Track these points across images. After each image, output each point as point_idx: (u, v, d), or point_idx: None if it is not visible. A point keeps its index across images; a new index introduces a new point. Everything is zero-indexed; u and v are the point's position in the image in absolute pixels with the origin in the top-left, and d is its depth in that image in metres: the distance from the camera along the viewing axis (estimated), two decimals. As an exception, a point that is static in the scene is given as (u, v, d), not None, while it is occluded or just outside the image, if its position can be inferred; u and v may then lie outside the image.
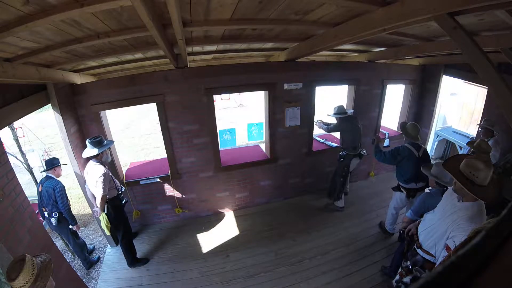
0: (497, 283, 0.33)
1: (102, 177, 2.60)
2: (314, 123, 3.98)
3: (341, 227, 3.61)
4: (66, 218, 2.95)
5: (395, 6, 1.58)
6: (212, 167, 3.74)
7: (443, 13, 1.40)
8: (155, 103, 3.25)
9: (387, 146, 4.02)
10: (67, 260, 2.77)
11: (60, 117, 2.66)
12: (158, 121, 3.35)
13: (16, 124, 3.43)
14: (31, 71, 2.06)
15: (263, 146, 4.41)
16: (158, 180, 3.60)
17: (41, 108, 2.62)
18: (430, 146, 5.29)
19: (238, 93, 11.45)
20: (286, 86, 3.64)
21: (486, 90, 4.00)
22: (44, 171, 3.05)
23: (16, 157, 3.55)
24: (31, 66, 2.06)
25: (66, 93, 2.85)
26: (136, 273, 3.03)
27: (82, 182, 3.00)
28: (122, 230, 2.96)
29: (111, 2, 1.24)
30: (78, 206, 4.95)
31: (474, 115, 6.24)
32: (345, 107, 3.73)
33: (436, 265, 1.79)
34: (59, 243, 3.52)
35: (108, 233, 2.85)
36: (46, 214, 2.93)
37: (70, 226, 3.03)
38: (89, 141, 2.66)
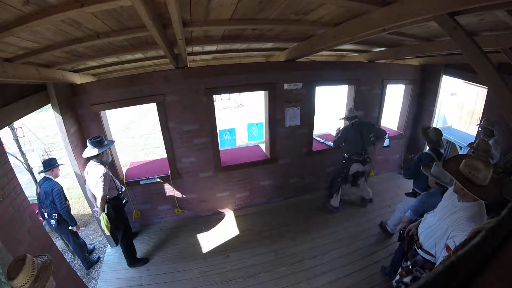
0: (497, 283, 0.33)
1: (102, 177, 2.60)
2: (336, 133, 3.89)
3: (341, 227, 3.61)
4: (65, 219, 2.94)
5: (395, 6, 1.58)
6: (212, 167, 3.74)
7: (443, 13, 1.40)
8: (155, 103, 3.25)
9: (387, 146, 4.02)
10: (67, 260, 2.77)
11: (60, 117, 2.66)
12: (158, 121, 3.35)
13: (16, 124, 3.43)
14: (31, 71, 2.06)
15: (263, 146, 4.41)
16: (158, 180, 3.60)
17: (41, 108, 2.62)
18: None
19: (238, 93, 11.46)
20: (286, 86, 3.64)
21: (486, 90, 4.00)
22: (42, 172, 3.02)
23: (16, 157, 3.55)
24: (31, 66, 2.06)
25: (66, 93, 2.85)
26: (136, 273, 3.03)
27: (82, 182, 3.00)
28: (122, 230, 2.95)
29: (111, 2, 1.24)
30: (78, 206, 4.95)
31: (474, 115, 6.25)
32: (353, 110, 3.70)
33: (436, 265, 1.79)
34: (59, 243, 3.52)
35: (108, 233, 2.85)
36: (46, 215, 2.93)
37: (70, 227, 3.03)
38: (90, 141, 2.65)
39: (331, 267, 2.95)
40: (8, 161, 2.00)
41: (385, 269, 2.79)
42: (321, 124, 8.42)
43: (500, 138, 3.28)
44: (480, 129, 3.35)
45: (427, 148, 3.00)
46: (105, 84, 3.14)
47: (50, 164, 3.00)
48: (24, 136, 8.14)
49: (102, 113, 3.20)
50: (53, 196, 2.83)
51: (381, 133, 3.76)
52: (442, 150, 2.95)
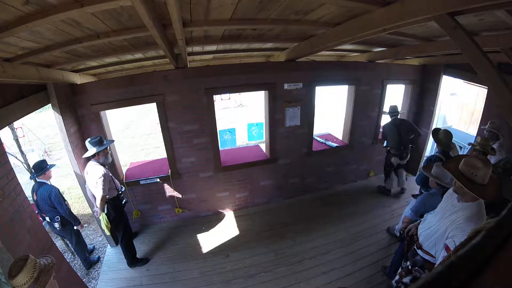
0: (497, 283, 0.33)
1: (102, 177, 2.60)
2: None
3: (341, 227, 3.61)
4: (68, 220, 2.94)
5: (395, 6, 1.58)
6: (212, 167, 3.74)
7: (443, 13, 1.40)
8: (155, 103, 3.25)
9: (386, 146, 4.03)
10: (67, 260, 2.77)
11: (60, 117, 2.66)
12: (158, 121, 3.35)
13: (16, 124, 3.43)
14: (31, 71, 2.06)
15: (263, 146, 4.41)
16: (158, 180, 3.60)
17: (41, 108, 2.62)
18: (430, 146, 5.29)
19: (238, 93, 11.46)
20: (286, 86, 3.64)
21: (486, 90, 4.00)
22: (34, 177, 2.90)
23: (16, 157, 3.54)
24: (31, 66, 2.06)
25: (66, 93, 2.85)
26: (136, 273, 3.03)
27: (82, 182, 3.00)
28: (122, 230, 2.95)
29: (111, 2, 1.24)
30: (78, 206, 4.96)
31: (474, 115, 6.25)
32: (393, 107, 3.97)
33: (435, 265, 1.79)
34: (59, 243, 3.52)
35: (108, 233, 2.85)
36: (48, 219, 2.90)
37: (75, 227, 3.03)
38: (89, 141, 2.66)
39: (331, 267, 2.95)
40: (8, 161, 1.99)
41: (385, 269, 2.80)
42: (321, 124, 8.43)
43: (505, 142, 3.20)
44: (485, 132, 3.28)
45: (437, 150, 3.01)
46: (105, 84, 3.14)
47: (41, 168, 2.90)
48: (24, 136, 8.15)
49: (102, 113, 3.20)
50: (52, 201, 2.78)
51: (416, 133, 3.99)
52: (451, 153, 2.92)
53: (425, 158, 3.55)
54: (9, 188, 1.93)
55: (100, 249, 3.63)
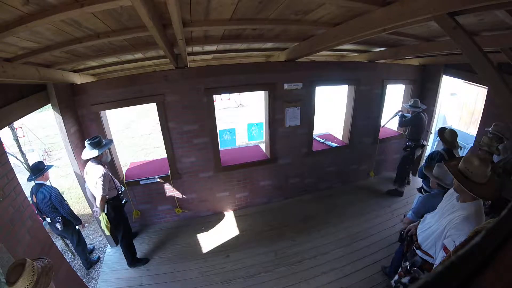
0: (497, 283, 0.33)
1: (102, 177, 2.59)
2: (395, 114, 4.44)
3: (341, 227, 3.61)
4: (70, 220, 2.94)
5: (395, 6, 1.58)
6: (212, 167, 3.74)
7: (443, 13, 1.40)
8: (155, 103, 3.25)
9: (410, 138, 4.18)
10: (67, 260, 2.77)
11: (60, 117, 2.66)
12: (158, 121, 3.35)
13: (16, 124, 3.43)
14: (31, 71, 2.06)
15: (263, 146, 4.41)
16: (158, 180, 3.60)
17: (41, 108, 2.62)
18: (430, 146, 5.29)
19: (238, 93, 11.46)
20: (286, 86, 3.64)
21: (486, 90, 4.00)
22: (32, 179, 2.87)
23: (16, 157, 3.55)
24: (31, 66, 2.06)
25: (66, 93, 2.85)
26: (136, 273, 3.03)
27: (82, 182, 3.00)
28: (122, 230, 2.95)
29: (111, 2, 1.24)
30: (78, 206, 4.96)
31: (474, 115, 6.26)
32: (418, 102, 4.10)
33: (434, 265, 1.79)
34: (59, 243, 3.52)
35: (108, 233, 2.84)
36: (48, 220, 2.89)
37: (77, 227, 3.04)
38: (88, 142, 2.64)
39: (331, 267, 2.95)
40: (8, 161, 1.99)
41: (385, 269, 2.79)
42: (321, 124, 8.43)
43: (509, 144, 3.05)
44: (489, 134, 3.24)
45: (442, 147, 3.03)
46: (105, 84, 3.14)
47: (39, 169, 2.89)
48: (24, 136, 8.14)
49: (102, 113, 3.20)
50: (52, 202, 2.77)
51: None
52: (455, 151, 2.96)
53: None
54: (9, 188, 1.93)
55: (100, 249, 3.63)
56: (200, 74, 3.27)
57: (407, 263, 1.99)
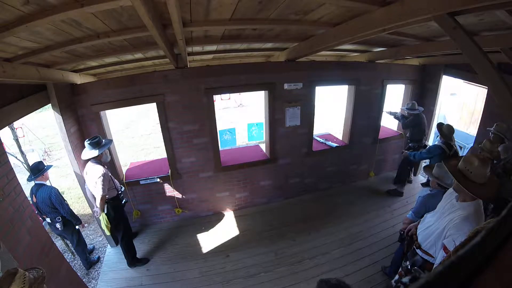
0: (497, 283, 0.33)
1: (102, 177, 2.60)
2: (389, 113, 4.49)
3: (341, 227, 3.61)
4: (70, 220, 2.94)
5: (395, 6, 1.58)
6: (212, 167, 3.74)
7: (443, 13, 1.40)
8: (155, 103, 3.25)
9: (411, 140, 4.22)
10: (67, 260, 2.77)
11: (60, 117, 2.66)
12: (158, 121, 3.35)
13: (16, 124, 3.43)
14: (31, 71, 2.06)
15: (263, 146, 4.41)
16: (158, 180, 3.60)
17: (41, 108, 2.62)
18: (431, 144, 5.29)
19: (238, 93, 11.46)
20: (286, 86, 3.64)
21: (486, 90, 4.00)
22: (32, 179, 2.87)
23: (16, 157, 3.55)
24: (31, 66, 2.06)
25: (66, 93, 2.85)
26: (136, 273, 3.03)
27: (82, 182, 3.00)
28: (122, 230, 2.95)
29: (111, 2, 1.24)
30: (78, 206, 4.96)
31: (474, 115, 6.26)
32: (416, 104, 4.15)
33: (434, 265, 1.79)
34: (59, 243, 3.52)
35: (108, 233, 2.84)
36: (48, 220, 2.89)
37: (76, 227, 3.03)
38: (88, 142, 2.64)
39: (331, 267, 2.95)
40: (8, 161, 1.99)
41: (386, 269, 2.80)
42: (321, 124, 8.43)
43: (510, 145, 3.01)
44: (490, 134, 3.17)
45: (441, 141, 3.29)
46: (105, 84, 3.14)
47: (39, 169, 2.88)
48: (24, 136, 8.15)
49: (102, 113, 3.20)
50: (52, 202, 2.77)
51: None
52: (452, 143, 3.23)
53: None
54: (9, 188, 1.93)
55: (100, 249, 3.63)
56: (200, 74, 3.27)
57: (408, 262, 1.99)
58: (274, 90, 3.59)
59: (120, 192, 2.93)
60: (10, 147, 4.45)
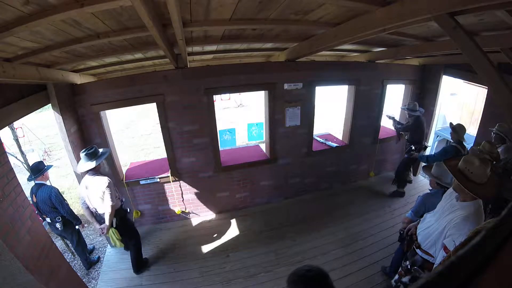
0: (497, 283, 0.33)
1: (109, 187, 2.46)
2: (388, 117, 4.37)
3: (341, 227, 3.61)
4: (70, 220, 2.93)
5: (395, 6, 1.58)
6: (212, 167, 3.74)
7: (443, 13, 1.40)
8: (155, 103, 3.25)
9: (410, 143, 4.19)
10: (67, 260, 2.77)
11: (60, 117, 2.66)
12: (158, 121, 3.35)
13: (16, 124, 3.43)
14: (31, 71, 2.06)
15: (263, 146, 4.41)
16: (158, 180, 3.60)
17: (41, 108, 2.61)
18: (430, 146, 5.29)
19: (238, 93, 11.46)
20: (286, 86, 3.64)
21: (486, 90, 4.00)
22: (32, 179, 2.85)
23: (16, 157, 3.55)
24: (31, 66, 2.06)
25: (66, 93, 2.85)
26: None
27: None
28: (135, 238, 2.90)
29: (111, 2, 1.24)
30: (78, 206, 4.94)
31: (474, 115, 6.26)
32: (417, 105, 4.03)
33: (434, 265, 1.79)
34: (59, 243, 3.52)
35: (121, 245, 2.69)
36: (48, 220, 2.88)
37: (76, 227, 3.03)
38: (84, 153, 2.46)
39: (331, 267, 2.95)
40: (8, 161, 1.99)
41: (385, 269, 2.79)
42: (321, 124, 8.43)
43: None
44: (492, 134, 3.14)
45: (451, 141, 3.32)
46: (105, 84, 3.14)
47: (39, 169, 2.87)
48: (24, 136, 8.15)
49: (102, 113, 3.20)
50: (52, 202, 2.76)
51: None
52: (465, 143, 3.23)
53: (440, 148, 3.67)
54: (9, 188, 1.93)
55: (100, 249, 3.63)
56: (200, 74, 3.26)
57: (407, 262, 1.99)
58: (274, 90, 3.59)
59: (123, 201, 2.83)
60: (10, 147, 4.45)
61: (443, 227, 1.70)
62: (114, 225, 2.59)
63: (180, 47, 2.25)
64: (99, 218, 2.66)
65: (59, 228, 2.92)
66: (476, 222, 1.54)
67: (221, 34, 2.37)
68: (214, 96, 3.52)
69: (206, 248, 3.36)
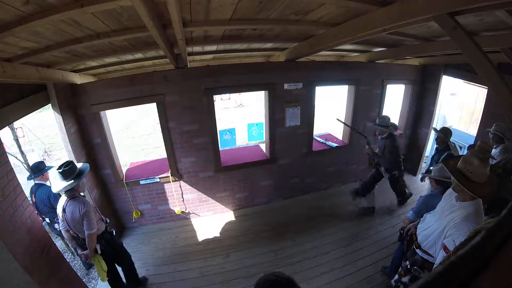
0: (497, 283, 0.33)
1: (89, 212, 2.12)
2: (365, 146, 3.66)
3: (341, 227, 3.60)
4: None
5: (395, 6, 1.58)
6: (212, 167, 3.74)
7: (443, 13, 1.40)
8: (155, 103, 3.25)
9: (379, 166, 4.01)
10: (67, 260, 2.77)
11: (60, 117, 2.66)
12: (158, 121, 3.35)
13: (16, 124, 3.44)
14: (31, 71, 2.06)
15: (263, 146, 4.41)
16: (158, 180, 3.60)
17: (41, 108, 2.61)
18: (430, 146, 5.29)
19: (238, 93, 11.46)
20: (286, 86, 3.64)
21: (486, 90, 4.00)
22: (31, 178, 2.83)
23: (16, 157, 3.55)
24: (31, 66, 2.06)
25: (66, 93, 2.85)
26: (136, 273, 3.03)
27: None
28: (127, 263, 2.63)
29: (111, 2, 1.24)
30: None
31: (474, 115, 6.26)
32: (389, 120, 3.49)
33: (434, 265, 1.79)
34: (59, 243, 3.52)
35: (105, 279, 2.31)
36: (47, 220, 2.88)
37: None
38: (59, 171, 2.06)
39: (331, 267, 2.95)
40: (8, 161, 1.99)
41: (385, 269, 2.79)
42: (321, 124, 8.43)
43: (510, 145, 2.96)
44: (490, 134, 3.11)
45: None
46: (105, 84, 3.14)
47: (39, 169, 2.86)
48: (24, 136, 8.15)
49: (102, 113, 3.19)
50: (51, 202, 2.75)
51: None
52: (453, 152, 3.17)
53: (444, 155, 3.25)
54: (9, 188, 1.93)
55: (100, 249, 3.63)
56: (200, 74, 3.26)
57: (407, 262, 2.00)
58: (274, 90, 3.59)
59: (107, 222, 2.45)
60: (10, 147, 4.46)
61: (443, 227, 1.70)
62: (99, 252, 2.26)
63: (180, 47, 2.25)
64: (81, 242, 2.29)
65: (58, 228, 2.91)
66: (476, 222, 1.54)
67: (221, 34, 2.37)
68: (214, 96, 3.52)
69: (206, 248, 3.36)
